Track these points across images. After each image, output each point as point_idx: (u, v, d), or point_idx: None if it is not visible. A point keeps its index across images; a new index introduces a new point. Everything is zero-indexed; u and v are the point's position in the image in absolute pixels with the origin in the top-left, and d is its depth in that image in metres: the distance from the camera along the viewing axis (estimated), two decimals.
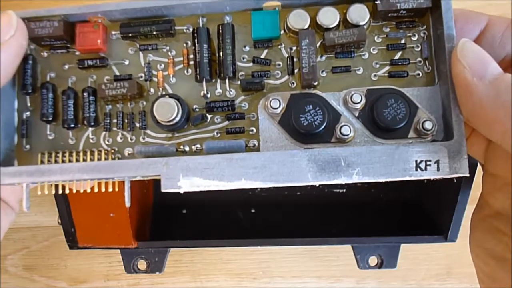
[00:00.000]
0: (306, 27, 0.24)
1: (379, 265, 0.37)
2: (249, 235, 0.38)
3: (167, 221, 0.39)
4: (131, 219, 0.35)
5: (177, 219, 0.38)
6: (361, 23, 0.24)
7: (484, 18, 0.23)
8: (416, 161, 0.22)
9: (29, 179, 0.23)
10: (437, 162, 0.22)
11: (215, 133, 0.24)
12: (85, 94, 0.24)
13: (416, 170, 0.22)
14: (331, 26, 0.24)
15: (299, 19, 0.24)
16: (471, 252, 0.24)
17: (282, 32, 0.24)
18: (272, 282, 0.44)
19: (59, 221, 0.34)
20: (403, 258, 0.38)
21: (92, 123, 0.24)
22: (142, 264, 0.37)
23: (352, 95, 0.23)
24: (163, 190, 0.23)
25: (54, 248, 0.44)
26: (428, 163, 0.22)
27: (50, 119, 0.24)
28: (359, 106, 0.23)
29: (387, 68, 0.24)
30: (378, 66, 0.24)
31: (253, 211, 0.42)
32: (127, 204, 0.24)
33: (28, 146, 0.25)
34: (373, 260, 0.38)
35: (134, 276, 0.43)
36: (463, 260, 0.42)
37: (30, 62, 0.24)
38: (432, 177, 0.22)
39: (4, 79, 0.23)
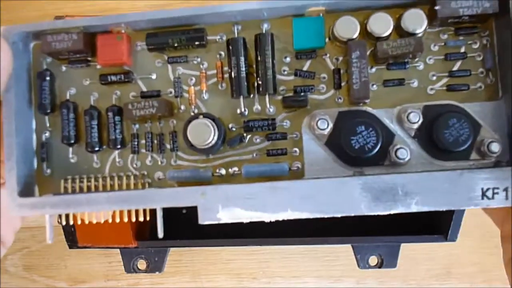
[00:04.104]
0: (355, 36, 0.21)
1: (379, 265, 0.37)
2: (249, 235, 0.36)
3: (167, 221, 0.39)
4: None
5: (177, 219, 0.36)
6: (418, 31, 0.21)
7: None
8: (482, 188, 0.20)
9: (53, 211, 0.21)
10: (505, 189, 0.20)
11: (254, 155, 0.22)
12: (110, 114, 0.22)
13: (482, 198, 0.20)
14: (384, 35, 0.21)
15: (347, 27, 0.21)
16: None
17: (327, 40, 0.22)
18: (272, 282, 0.43)
19: (59, 220, 0.32)
20: (403, 258, 0.38)
21: (119, 146, 0.22)
22: (142, 264, 0.37)
23: (408, 113, 0.21)
24: (200, 222, 0.21)
25: (54, 248, 0.43)
26: (495, 191, 0.20)
27: (72, 141, 0.22)
28: (416, 126, 0.21)
29: (445, 80, 0.22)
30: (435, 78, 0.22)
31: None
32: (160, 235, 0.22)
33: (49, 171, 0.23)
34: (373, 260, 0.37)
35: (134, 276, 0.43)
36: (463, 260, 0.42)
37: (48, 78, 0.22)
38: (500, 206, 0.20)
39: None
